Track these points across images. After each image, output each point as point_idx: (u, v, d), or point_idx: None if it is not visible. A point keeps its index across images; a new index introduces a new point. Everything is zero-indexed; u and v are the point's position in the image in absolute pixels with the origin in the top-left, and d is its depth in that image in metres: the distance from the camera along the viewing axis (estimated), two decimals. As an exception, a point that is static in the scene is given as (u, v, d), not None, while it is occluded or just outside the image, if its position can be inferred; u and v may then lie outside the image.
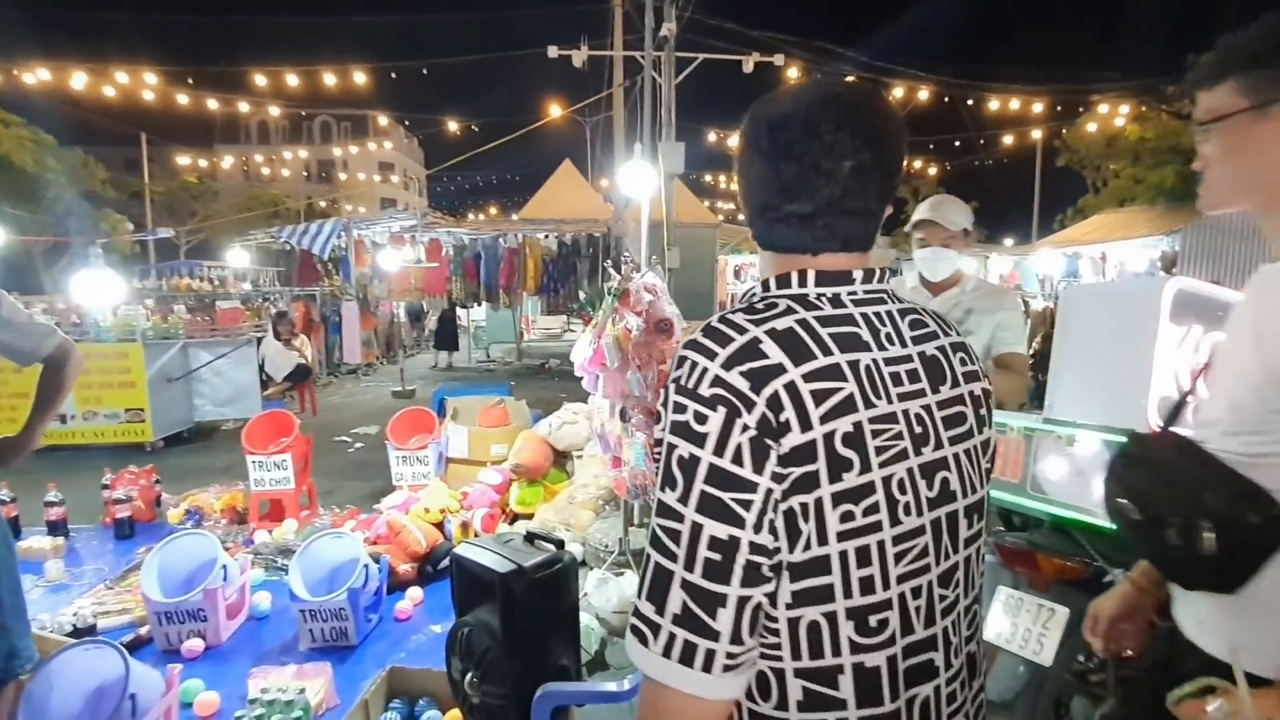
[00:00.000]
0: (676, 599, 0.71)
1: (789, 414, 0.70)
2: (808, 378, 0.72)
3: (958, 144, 17.28)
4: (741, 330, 0.74)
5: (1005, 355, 2.30)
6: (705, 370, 0.72)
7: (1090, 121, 15.04)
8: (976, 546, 0.85)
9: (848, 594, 0.73)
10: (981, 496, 0.85)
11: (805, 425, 0.70)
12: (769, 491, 0.70)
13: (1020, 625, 2.05)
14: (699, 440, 0.71)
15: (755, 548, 0.70)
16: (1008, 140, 15.89)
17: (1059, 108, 14.51)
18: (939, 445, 0.79)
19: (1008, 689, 2.22)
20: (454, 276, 10.88)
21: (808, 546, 0.71)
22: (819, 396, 0.71)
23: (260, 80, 12.47)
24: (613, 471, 3.30)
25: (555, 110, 14.20)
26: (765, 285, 0.83)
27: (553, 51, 10.54)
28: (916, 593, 0.77)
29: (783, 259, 0.84)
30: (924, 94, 12.94)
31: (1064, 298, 1.88)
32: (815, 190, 0.79)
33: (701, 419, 0.71)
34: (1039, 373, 3.13)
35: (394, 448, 4.65)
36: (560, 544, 2.18)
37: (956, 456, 0.81)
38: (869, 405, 0.74)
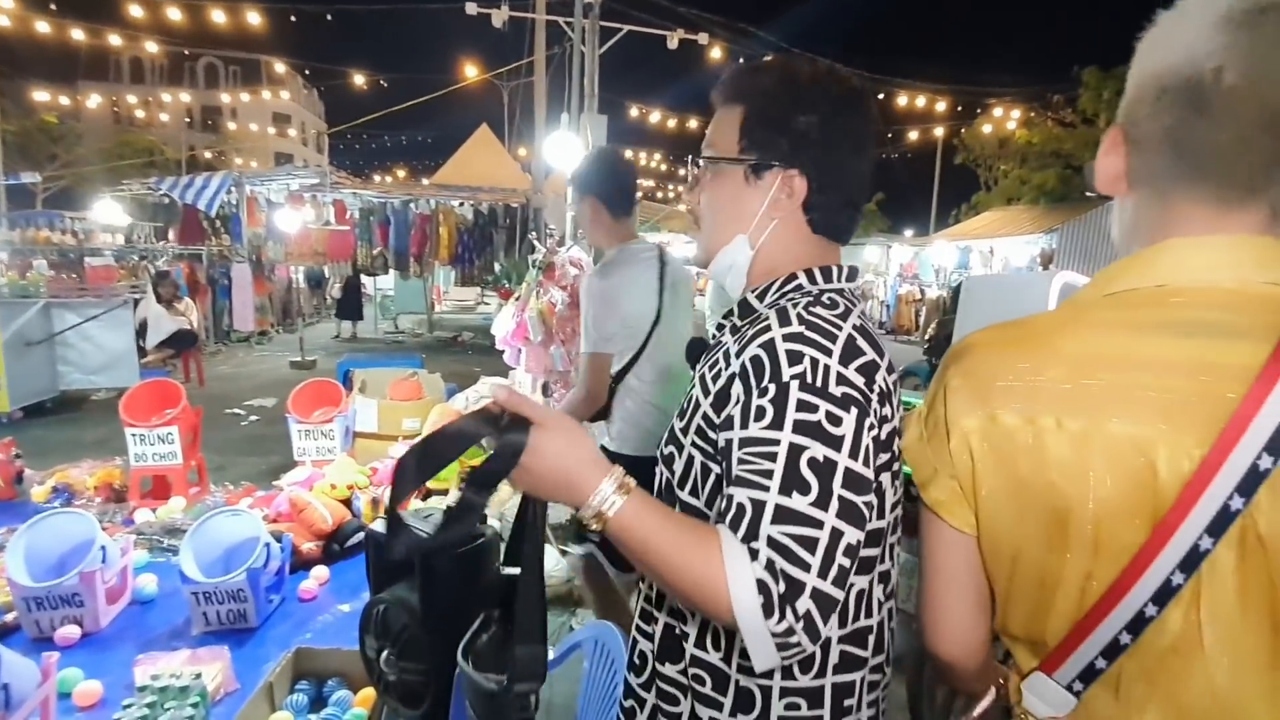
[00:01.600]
0: (805, 605, 0.65)
1: (889, 407, 0.76)
2: (888, 369, 0.78)
3: (867, 136, 17.99)
4: (839, 326, 0.76)
5: None
6: (828, 368, 0.71)
7: (986, 123, 16.12)
8: None
9: (882, 560, 0.81)
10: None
11: (893, 414, 0.77)
12: (876, 485, 0.74)
13: (914, 586, 2.23)
14: (835, 443, 0.69)
15: (864, 538, 0.72)
16: (912, 136, 16.80)
17: (959, 108, 15.46)
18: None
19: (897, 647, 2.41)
20: (361, 242, 10.30)
21: (880, 515, 0.79)
22: (896, 385, 0.79)
23: (135, 10, 11.15)
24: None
25: (472, 71, 13.62)
26: (810, 275, 0.84)
27: (471, 8, 10.07)
28: (893, 528, 0.85)
29: (817, 248, 0.87)
30: (838, 85, 13.36)
31: (965, 287, 2.03)
32: (865, 186, 0.88)
33: (833, 421, 0.69)
34: (933, 357, 3.37)
35: (296, 421, 4.37)
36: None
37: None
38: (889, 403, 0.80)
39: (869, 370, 0.74)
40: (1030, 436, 0.63)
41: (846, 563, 0.67)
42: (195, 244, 10.63)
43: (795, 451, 0.68)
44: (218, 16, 10.85)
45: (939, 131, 17.00)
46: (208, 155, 29.85)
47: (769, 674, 0.77)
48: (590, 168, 2.21)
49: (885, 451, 0.76)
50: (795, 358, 0.72)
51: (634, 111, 15.57)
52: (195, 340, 7.80)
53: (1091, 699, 0.65)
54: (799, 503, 0.67)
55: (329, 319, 13.20)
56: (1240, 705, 0.60)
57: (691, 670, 0.83)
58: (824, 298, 0.81)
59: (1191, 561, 0.58)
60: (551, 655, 1.60)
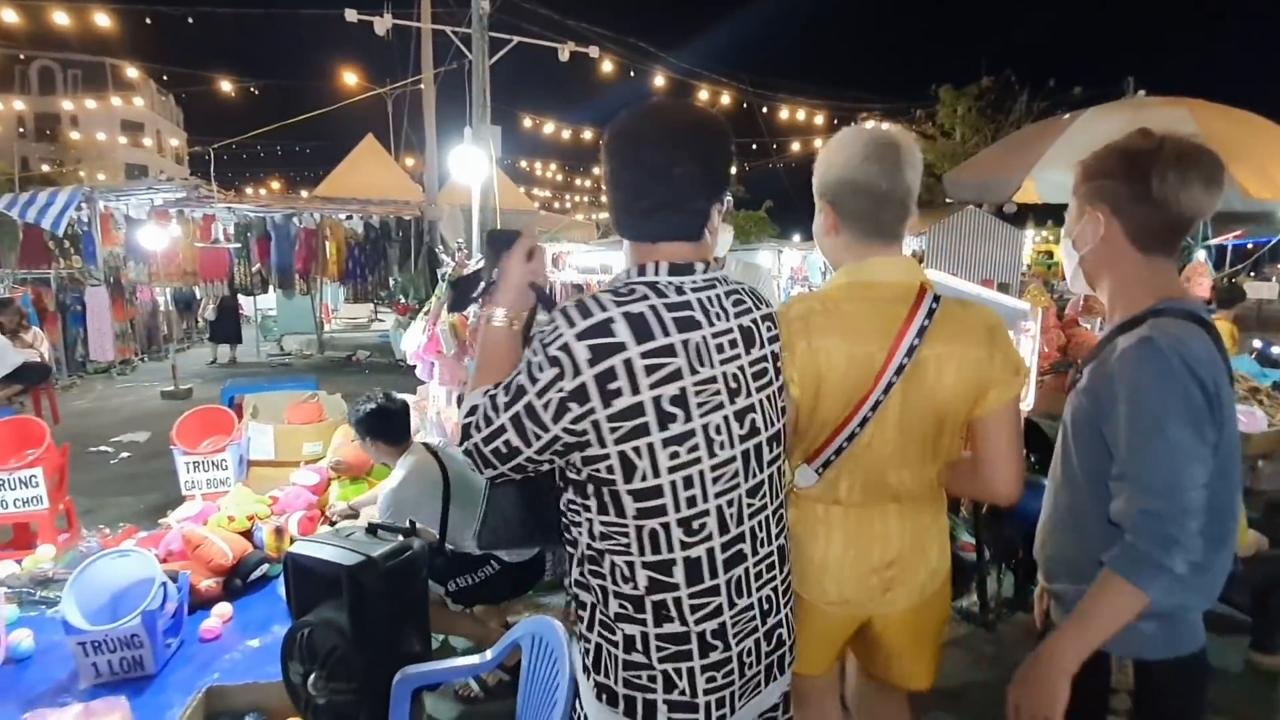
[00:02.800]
0: (471, 448, 1.03)
1: (621, 383, 0.94)
2: (646, 354, 0.96)
3: (755, 146, 18.96)
4: (603, 309, 0.97)
5: None
6: (560, 335, 0.96)
7: (857, 135, 17.32)
8: (780, 465, 1.15)
9: (677, 509, 1.00)
10: (779, 428, 1.13)
11: (635, 390, 0.95)
12: (557, 436, 0.97)
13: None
14: (533, 381, 0.97)
15: (530, 460, 1.00)
16: (796, 146, 17.80)
17: (836, 121, 16.60)
18: (749, 394, 1.06)
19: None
20: (238, 259, 9.60)
21: (644, 478, 0.97)
22: (651, 370, 0.96)
23: (-50, 7, 9.81)
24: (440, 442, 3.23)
25: (352, 79, 13.06)
26: (628, 272, 1.04)
27: (351, 15, 9.66)
28: (731, 503, 1.04)
29: (639, 248, 1.06)
30: (726, 98, 14.02)
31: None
32: (652, 191, 1.02)
33: (540, 368, 0.97)
34: None
35: (183, 453, 4.07)
36: (409, 531, 2.12)
37: (761, 402, 1.09)
38: (694, 372, 0.99)
39: (604, 351, 0.95)
40: (821, 351, 1.24)
41: (504, 450, 1.00)
42: (40, 267, 9.47)
43: (516, 374, 1.00)
44: (59, 18, 9.73)
45: (819, 143, 18.08)
46: (44, 167, 26.61)
47: (596, 579, 1.06)
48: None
49: (622, 421, 0.96)
50: (552, 323, 0.99)
51: (528, 123, 15.51)
52: (47, 373, 6.97)
53: (824, 477, 1.32)
54: (501, 398, 1.00)
55: (202, 343, 12.18)
56: (885, 469, 1.31)
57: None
58: (623, 288, 1.02)
59: (875, 406, 1.26)
60: (489, 656, 1.62)
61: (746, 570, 1.07)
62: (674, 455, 0.98)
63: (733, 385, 1.04)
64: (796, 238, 25.89)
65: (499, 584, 2.56)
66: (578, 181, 24.89)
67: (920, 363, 1.24)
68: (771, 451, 1.11)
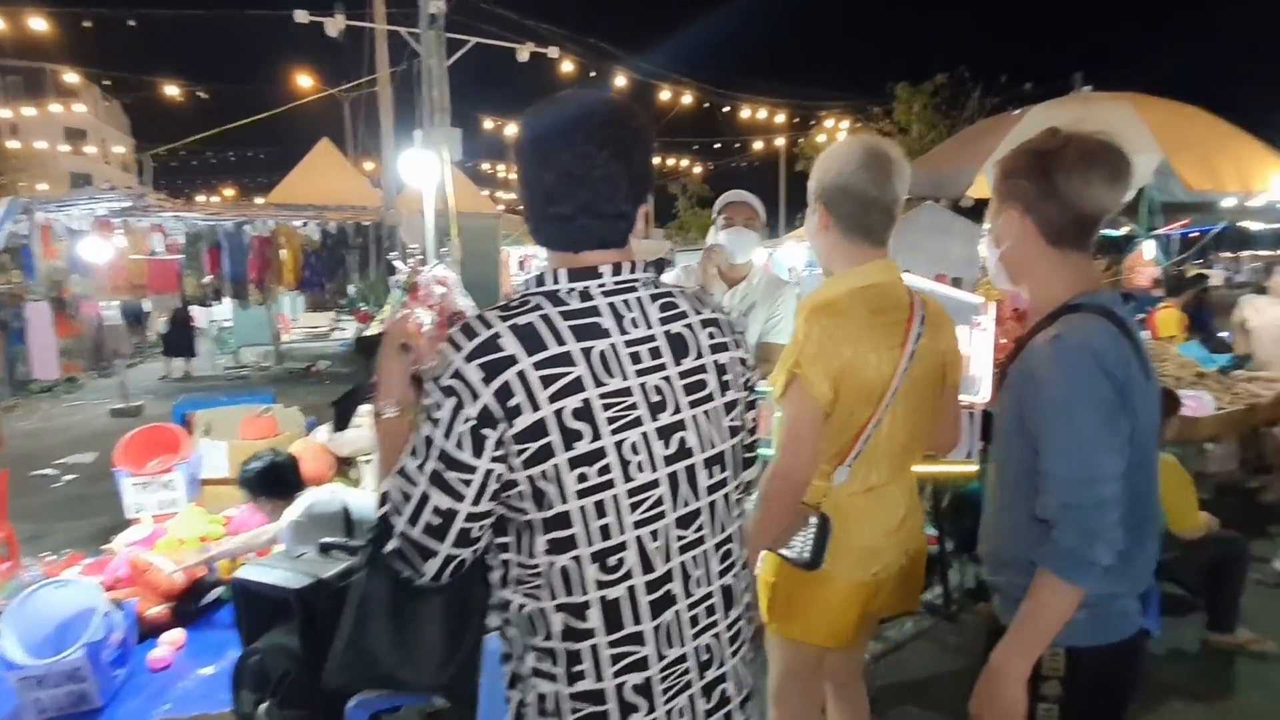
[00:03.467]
0: (396, 543, 0.89)
1: (519, 399, 0.84)
2: (538, 365, 0.86)
3: (717, 146, 19.07)
4: (489, 326, 0.88)
5: (763, 344, 2.54)
6: (450, 363, 0.87)
7: (819, 133, 17.57)
8: (725, 492, 1.00)
9: (589, 541, 0.88)
10: (723, 449, 0.99)
11: (535, 405, 0.85)
12: (489, 471, 0.85)
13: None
14: (435, 424, 0.86)
15: (472, 516, 0.87)
16: (758, 145, 17.97)
17: (796, 120, 16.81)
18: (677, 409, 0.94)
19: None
20: (188, 270, 9.26)
21: (551, 505, 0.87)
22: (547, 380, 0.86)
23: None
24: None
25: (306, 82, 12.76)
26: (527, 284, 0.96)
27: (301, 16, 9.41)
28: (654, 536, 0.92)
29: (555, 256, 0.97)
30: (688, 98, 14.07)
31: (803, 284, 2.28)
32: (571, 195, 0.92)
33: (437, 407, 0.87)
34: None
35: (127, 474, 3.90)
36: (360, 549, 2.05)
37: (695, 418, 0.96)
38: (599, 383, 0.88)
39: (496, 367, 0.85)
40: (852, 358, 1.40)
41: (437, 521, 0.87)
42: (-27, 282, 9.02)
43: (417, 430, 0.90)
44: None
45: (780, 141, 18.32)
46: (-19, 178, 25.36)
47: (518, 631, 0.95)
48: None
49: (526, 441, 0.86)
50: (440, 357, 0.89)
51: (490, 125, 15.34)
52: (-16, 395, 6.65)
53: (855, 470, 1.47)
54: (410, 464, 0.89)
55: (154, 357, 11.76)
56: (898, 450, 1.51)
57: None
58: (514, 301, 0.93)
59: (892, 397, 1.44)
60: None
61: (678, 615, 0.94)
62: (582, 478, 0.87)
63: (654, 399, 0.92)
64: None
65: None
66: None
67: (918, 355, 1.45)
68: (712, 475, 0.98)
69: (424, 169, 4.60)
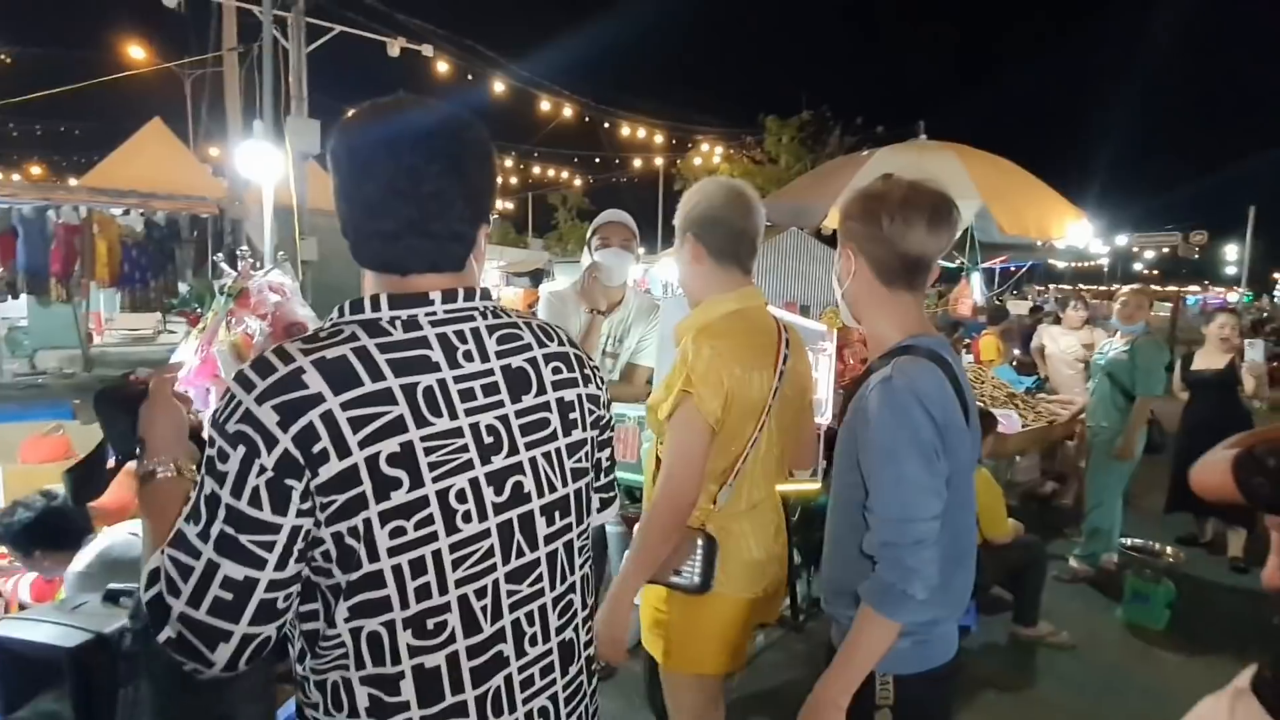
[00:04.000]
0: (173, 629, 0.73)
1: (325, 443, 0.73)
2: (347, 405, 0.74)
3: (598, 160, 19.20)
4: (289, 360, 0.75)
5: (629, 367, 2.56)
6: (239, 404, 0.73)
7: (695, 156, 18.23)
8: (566, 540, 0.91)
9: (404, 604, 0.77)
10: (566, 494, 0.91)
11: (343, 452, 0.73)
12: (296, 529, 0.73)
13: (644, 587, 2.41)
14: (221, 481, 0.73)
15: (275, 584, 0.74)
16: (638, 163, 18.32)
17: (674, 141, 17.32)
18: (513, 451, 0.85)
19: (633, 638, 2.58)
20: (-30, 257, 7.79)
21: (359, 565, 0.75)
22: (358, 422, 0.74)
23: None
24: (231, 500, 2.78)
25: (137, 52, 11.32)
26: (340, 310, 0.83)
27: (131, -21, 8.32)
28: (481, 593, 0.82)
29: (378, 279, 0.85)
30: (569, 111, 14.04)
31: (664, 307, 2.30)
32: (395, 210, 0.81)
33: (223, 458, 0.73)
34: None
35: None
36: None
37: (534, 460, 0.87)
38: (423, 424, 0.78)
39: (296, 408, 0.73)
40: (737, 380, 1.44)
41: (228, 596, 0.73)
42: None
43: (201, 483, 0.75)
44: None
45: (659, 161, 18.83)
46: None
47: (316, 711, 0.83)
48: None
49: (332, 493, 0.74)
50: (224, 397, 0.76)
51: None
52: None
53: (737, 489, 1.51)
54: (190, 531, 0.74)
55: (-79, 361, 9.78)
56: (771, 465, 1.57)
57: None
58: (323, 331, 0.81)
59: (767, 416, 1.50)
60: None
61: (508, 679, 0.85)
62: (397, 532, 0.76)
63: (487, 440, 0.83)
64: (641, 251, 26.56)
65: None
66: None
67: (786, 375, 1.54)
68: (552, 524, 0.89)
69: (264, 161, 4.14)
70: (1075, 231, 5.18)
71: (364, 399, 0.75)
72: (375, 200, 0.81)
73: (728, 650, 1.55)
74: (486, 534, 0.82)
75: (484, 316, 0.88)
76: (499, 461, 0.83)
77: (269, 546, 0.73)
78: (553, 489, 0.89)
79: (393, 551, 0.76)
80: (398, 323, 0.81)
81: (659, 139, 16.48)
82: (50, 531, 2.15)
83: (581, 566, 0.96)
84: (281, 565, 0.74)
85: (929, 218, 1.20)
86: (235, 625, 0.73)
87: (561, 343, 0.96)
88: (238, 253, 3.01)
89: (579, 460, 0.94)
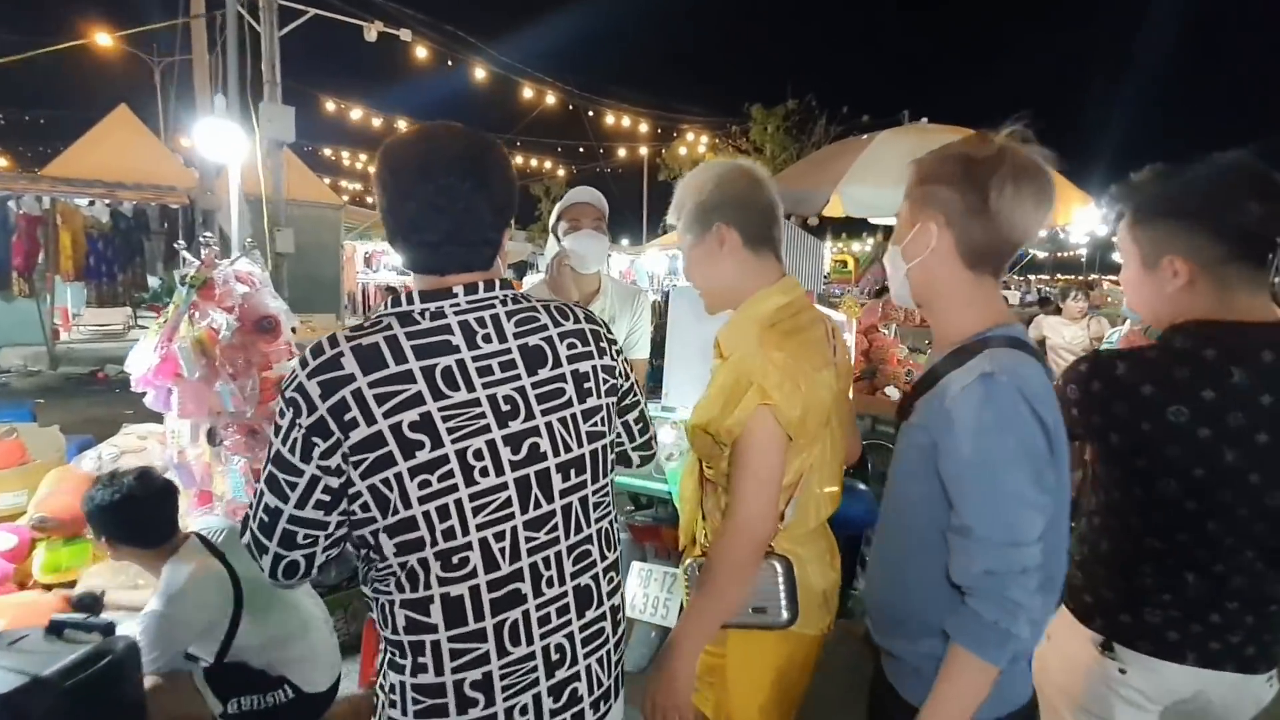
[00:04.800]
0: (247, 536, 0.98)
1: (355, 413, 0.90)
2: (374, 384, 0.91)
3: (582, 150, 18.90)
4: (335, 345, 0.93)
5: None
6: (295, 378, 0.93)
7: (681, 146, 18.03)
8: (582, 495, 1.04)
9: (433, 542, 0.93)
10: (581, 454, 1.03)
11: (370, 420, 0.90)
12: (313, 477, 0.91)
13: (651, 594, 2.24)
14: (277, 432, 0.94)
15: (294, 519, 0.93)
16: (622, 153, 18.03)
17: (659, 131, 17.10)
18: (530, 417, 0.99)
19: (643, 657, 2.42)
20: (-76, 251, 7.39)
21: (396, 511, 0.91)
22: (382, 398, 0.91)
23: None
24: (197, 511, 2.58)
25: (104, 39, 10.83)
26: (385, 304, 1.00)
27: (92, -42, 7.91)
28: (500, 536, 0.96)
29: (419, 279, 1.01)
30: (551, 99, 13.74)
31: (672, 297, 2.10)
32: (435, 225, 0.97)
33: (281, 415, 0.94)
34: (654, 358, 3.43)
35: None
36: (108, 627, 1.60)
37: (550, 425, 1.00)
38: (440, 397, 0.93)
39: (334, 385, 0.91)
40: (807, 387, 1.22)
41: (266, 519, 0.95)
42: None
43: (271, 440, 0.96)
44: None
45: (644, 151, 18.57)
46: None
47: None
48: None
49: (363, 452, 0.91)
50: (291, 371, 0.95)
51: (333, 107, 14.02)
52: None
53: (801, 505, 1.31)
54: (265, 471, 0.95)
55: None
56: (832, 477, 1.36)
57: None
58: (370, 320, 0.98)
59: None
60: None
61: (526, 614, 0.98)
62: (424, 484, 0.91)
63: (504, 408, 0.97)
64: (625, 241, 26.35)
65: (287, 714, 2.00)
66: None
67: (837, 368, 1.37)
68: (566, 479, 1.02)
69: (228, 140, 3.85)
70: (1083, 217, 5.06)
71: (388, 379, 0.91)
72: (417, 216, 0.97)
73: (793, 701, 1.36)
74: (504, 486, 0.96)
75: (504, 304, 1.02)
76: (516, 426, 0.97)
77: (293, 486, 0.92)
78: (568, 449, 1.02)
79: (422, 500, 0.91)
80: (426, 314, 0.97)
81: (644, 128, 16.20)
82: (128, 520, 1.90)
83: (598, 520, 1.07)
84: (301, 504, 0.92)
85: (1040, 193, 1.03)
86: (269, 542, 0.95)
87: (578, 320, 1.08)
88: (200, 240, 2.81)
89: (595, 425, 1.06)
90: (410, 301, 0.98)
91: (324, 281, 10.71)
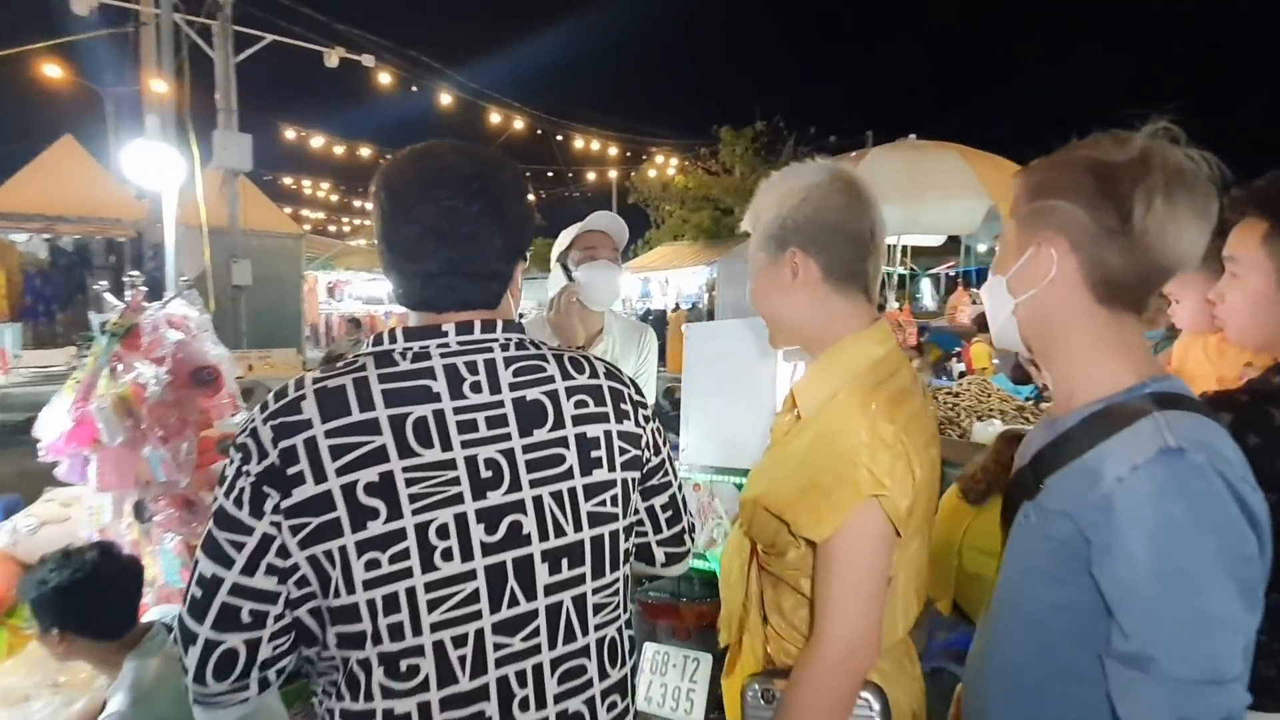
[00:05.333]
0: (176, 630, 0.82)
1: (303, 466, 0.76)
2: (331, 433, 0.77)
3: (551, 174, 18.71)
4: (300, 387, 0.81)
5: None
6: (251, 422, 0.80)
7: (650, 169, 18.05)
8: (576, 594, 0.84)
9: (377, 640, 0.76)
10: (578, 540, 0.85)
11: (320, 477, 0.76)
12: (266, 536, 0.76)
13: (669, 684, 1.91)
14: (221, 483, 0.80)
15: (239, 589, 0.76)
16: (591, 176, 17.90)
17: (629, 154, 17.06)
18: (514, 488, 0.81)
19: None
20: None
21: (338, 593, 0.76)
22: (339, 450, 0.77)
23: None
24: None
25: (54, 70, 10.34)
26: (358, 339, 0.77)
27: (30, -18, 7.51)
28: (460, 641, 0.78)
29: (416, 317, 0.88)
30: (519, 123, 13.54)
31: (688, 338, 1.82)
32: (434, 252, 0.84)
33: (229, 464, 0.80)
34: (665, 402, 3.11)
35: None
36: None
37: (539, 499, 0.83)
38: (407, 454, 0.78)
39: (287, 430, 0.77)
40: (921, 469, 0.99)
41: (200, 593, 0.78)
42: None
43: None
44: None
45: (614, 174, 18.50)
46: None
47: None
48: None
49: (306, 515, 0.76)
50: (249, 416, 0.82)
51: (293, 135, 13.61)
52: None
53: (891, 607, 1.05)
54: (204, 536, 0.80)
55: None
56: (922, 576, 1.09)
57: None
58: (350, 359, 0.85)
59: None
60: None
61: None
62: (372, 564, 0.76)
63: (484, 474, 0.81)
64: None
65: None
66: (356, 203, 22.49)
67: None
68: (556, 571, 0.83)
69: (160, 167, 3.48)
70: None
71: (348, 428, 0.78)
72: (415, 243, 0.85)
73: None
74: (471, 575, 0.79)
75: (504, 348, 0.87)
76: (496, 498, 0.81)
77: (239, 547, 0.76)
78: (560, 533, 0.84)
79: (368, 585, 0.76)
80: (409, 354, 0.83)
81: (613, 151, 16.11)
82: (83, 605, 1.54)
83: (600, 627, 0.87)
84: (249, 569, 0.76)
85: (1199, 205, 0.81)
86: (200, 626, 0.77)
87: (594, 375, 0.92)
88: (125, 280, 2.44)
89: (601, 504, 0.87)
90: (394, 339, 0.84)
91: (285, 314, 10.27)
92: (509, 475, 0.82)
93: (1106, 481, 0.77)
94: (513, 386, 0.85)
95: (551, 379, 0.88)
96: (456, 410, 0.81)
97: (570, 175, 18.97)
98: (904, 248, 5.48)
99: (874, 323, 1.09)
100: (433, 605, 0.77)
